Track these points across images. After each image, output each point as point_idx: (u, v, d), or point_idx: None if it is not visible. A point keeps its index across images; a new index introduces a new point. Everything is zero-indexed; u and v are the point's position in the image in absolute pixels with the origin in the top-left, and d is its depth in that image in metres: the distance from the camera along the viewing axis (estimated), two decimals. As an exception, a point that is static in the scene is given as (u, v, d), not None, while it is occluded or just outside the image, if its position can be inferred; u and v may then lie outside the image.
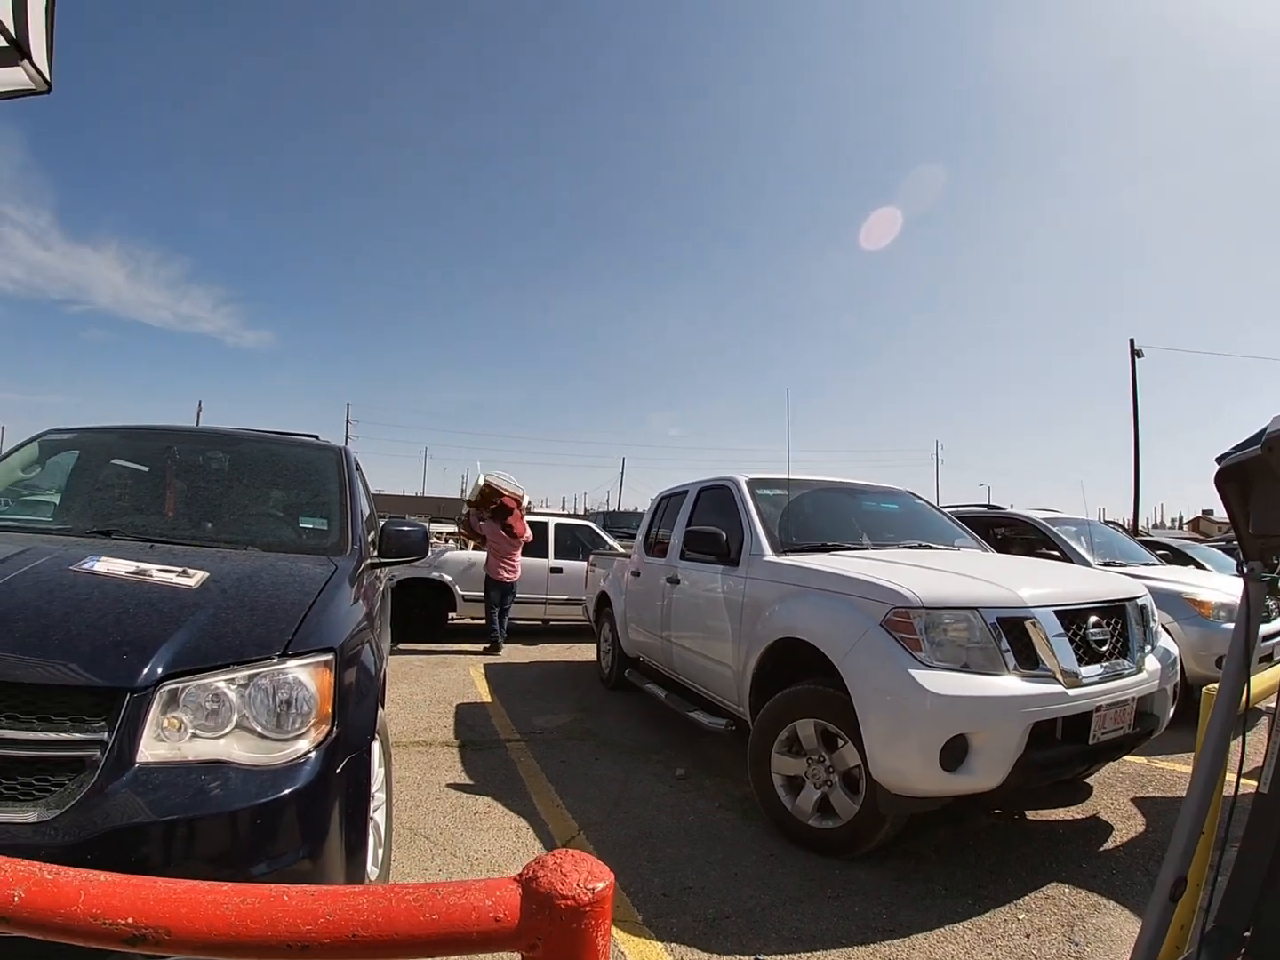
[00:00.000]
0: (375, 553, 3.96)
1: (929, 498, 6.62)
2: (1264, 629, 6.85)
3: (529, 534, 10.22)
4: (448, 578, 10.54)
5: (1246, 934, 2.05)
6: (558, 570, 11.32)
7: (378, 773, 3.15)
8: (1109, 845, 4.07)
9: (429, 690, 7.47)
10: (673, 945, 2.99)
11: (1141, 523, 28.94)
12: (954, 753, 3.29)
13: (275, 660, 2.36)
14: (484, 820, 4.16)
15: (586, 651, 9.81)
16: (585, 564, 9.62)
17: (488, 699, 7.22)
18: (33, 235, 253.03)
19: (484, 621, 10.10)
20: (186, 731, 2.19)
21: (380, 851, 3.10)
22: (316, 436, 4.96)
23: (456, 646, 10.13)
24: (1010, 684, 3.43)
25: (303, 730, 2.32)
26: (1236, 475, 1.94)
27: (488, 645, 9.95)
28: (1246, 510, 1.99)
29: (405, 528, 4.06)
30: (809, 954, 2.96)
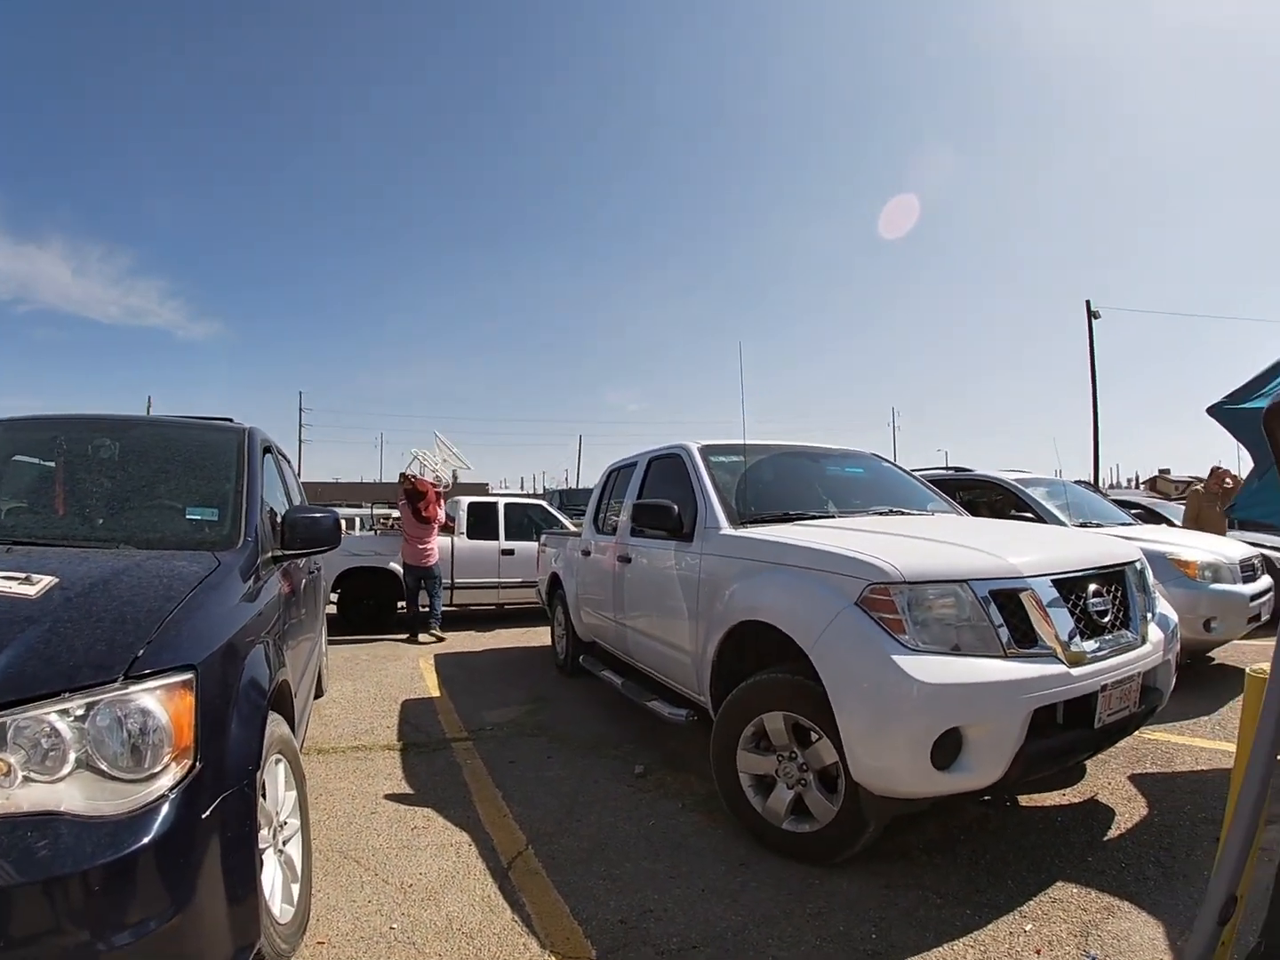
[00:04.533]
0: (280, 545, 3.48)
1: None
2: (1249, 588, 6.57)
3: (442, 516, 9.96)
4: (396, 566, 10.09)
5: None
6: (509, 552, 10.96)
7: (285, 798, 2.77)
8: (1113, 833, 3.69)
9: (374, 686, 7.03)
10: (633, 988, 2.56)
11: (1099, 483, 28.94)
12: (947, 748, 2.87)
13: (117, 684, 1.91)
14: (422, 837, 3.71)
15: (542, 635, 9.36)
16: (537, 544, 9.25)
17: (436, 693, 6.79)
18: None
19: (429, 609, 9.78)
20: (16, 775, 1.78)
21: (297, 887, 2.69)
22: (231, 420, 4.42)
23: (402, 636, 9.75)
24: (1007, 667, 3.00)
25: (155, 769, 1.89)
26: None
27: (407, 635, 9.70)
28: None
29: (315, 514, 3.56)
30: (789, 990, 2.55)
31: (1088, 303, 28.36)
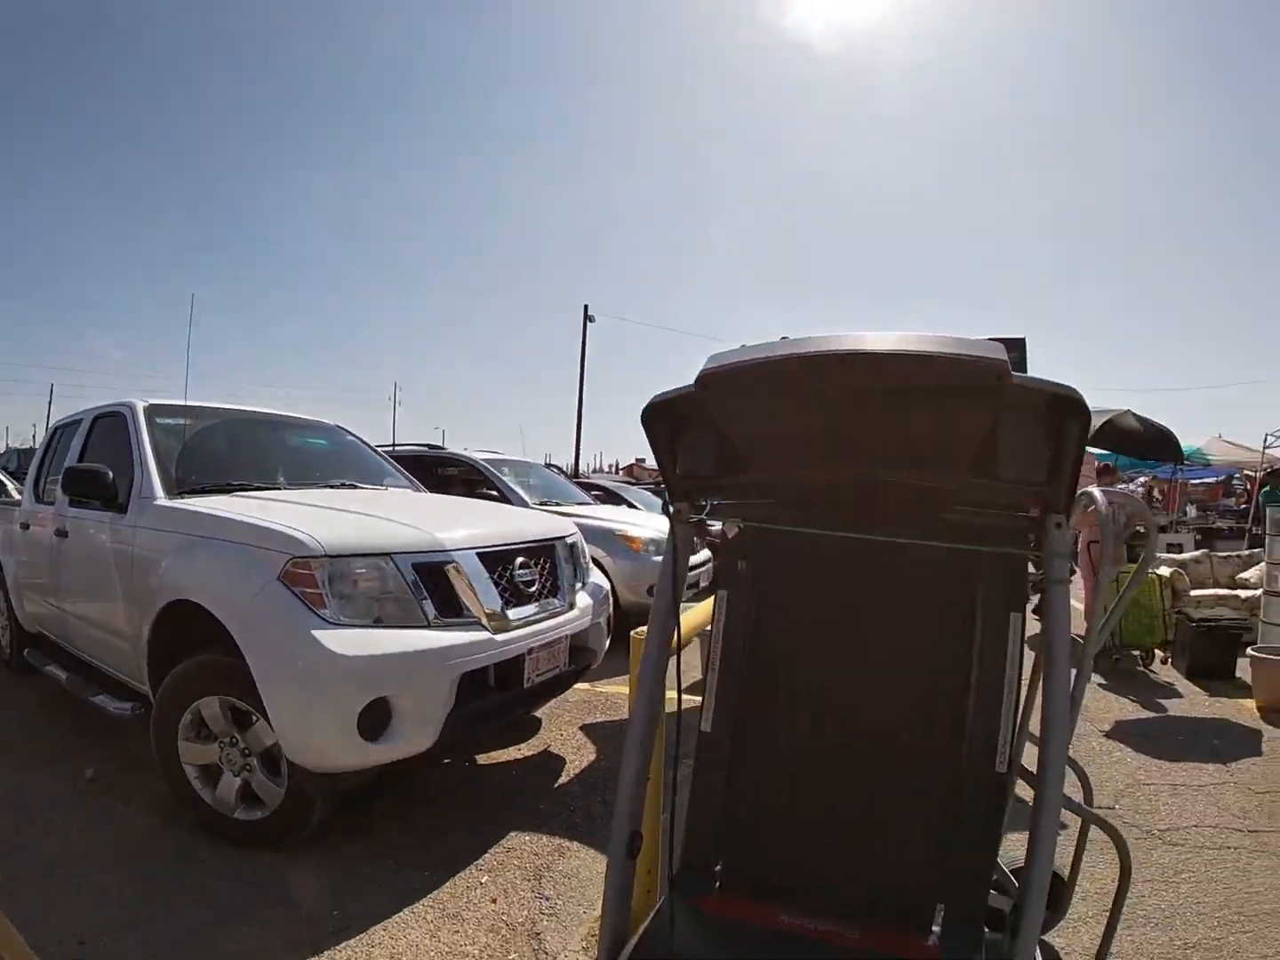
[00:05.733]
0: None
1: (380, 438, 6.33)
2: (692, 559, 7.64)
3: None
4: None
5: (718, 869, 2.09)
6: None
7: None
8: (563, 780, 4.16)
9: None
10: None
11: (582, 467, 31.94)
12: (375, 719, 3.01)
13: None
14: None
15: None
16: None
17: None
18: None
19: None
20: None
21: None
22: None
23: None
24: (431, 636, 3.23)
25: None
26: (667, 415, 1.88)
27: None
28: (674, 451, 1.96)
29: None
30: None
31: (585, 307, 31.79)
